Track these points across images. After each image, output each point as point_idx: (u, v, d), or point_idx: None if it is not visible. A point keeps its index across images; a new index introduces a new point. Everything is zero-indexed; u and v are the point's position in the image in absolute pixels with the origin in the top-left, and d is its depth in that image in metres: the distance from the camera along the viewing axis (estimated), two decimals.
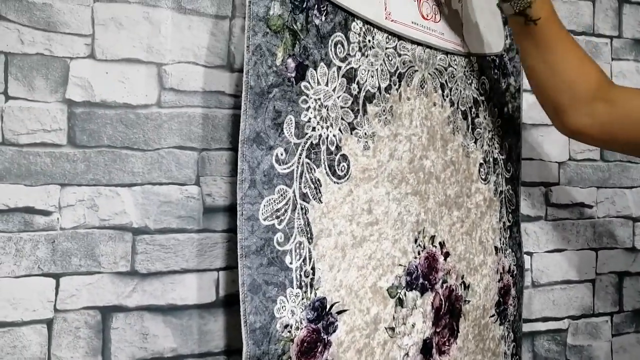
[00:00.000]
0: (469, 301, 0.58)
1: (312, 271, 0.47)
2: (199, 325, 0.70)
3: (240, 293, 0.48)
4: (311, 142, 0.47)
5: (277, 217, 0.45)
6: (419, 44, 0.66)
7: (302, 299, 0.47)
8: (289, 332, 0.47)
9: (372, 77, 0.56)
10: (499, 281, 0.61)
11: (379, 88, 0.57)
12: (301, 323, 0.47)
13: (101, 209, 0.66)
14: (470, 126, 0.66)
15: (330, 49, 0.53)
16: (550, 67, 0.66)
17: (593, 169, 0.91)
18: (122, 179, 0.67)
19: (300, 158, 0.46)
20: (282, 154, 0.46)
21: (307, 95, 0.49)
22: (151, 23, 0.68)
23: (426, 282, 0.55)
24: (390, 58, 0.60)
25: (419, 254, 0.55)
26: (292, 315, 0.47)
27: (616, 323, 0.92)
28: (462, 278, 0.58)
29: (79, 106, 0.65)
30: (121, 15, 0.67)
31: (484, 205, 0.64)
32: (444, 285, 0.57)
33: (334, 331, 0.49)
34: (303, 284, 0.47)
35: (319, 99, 0.50)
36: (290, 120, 0.48)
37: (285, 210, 0.47)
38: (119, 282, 0.67)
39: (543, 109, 0.70)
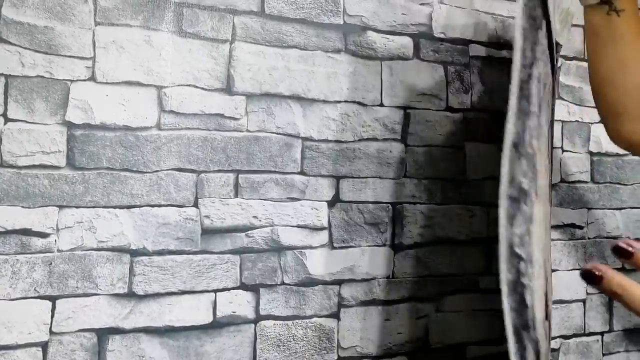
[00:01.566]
0: None
1: None
2: (196, 347, 0.69)
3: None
4: None
5: None
6: None
7: None
8: None
9: None
10: None
11: None
12: None
13: (99, 230, 0.66)
14: None
15: None
16: (623, 66, 0.62)
17: (584, 190, 0.93)
18: (120, 201, 0.67)
19: None
20: None
21: None
22: (152, 46, 0.68)
23: None
24: None
25: None
26: None
27: (606, 342, 0.94)
28: None
29: (79, 128, 0.65)
30: (122, 38, 0.67)
31: None
32: None
33: None
34: None
35: None
36: None
37: None
38: (116, 304, 0.67)
39: (599, 114, 0.66)
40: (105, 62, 0.67)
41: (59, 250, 0.64)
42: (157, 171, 0.68)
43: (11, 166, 0.63)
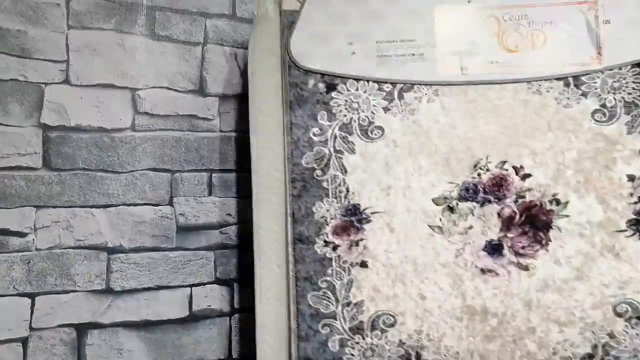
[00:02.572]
0: (567, 216, 0.62)
1: (346, 190, 0.63)
2: (173, 340, 0.73)
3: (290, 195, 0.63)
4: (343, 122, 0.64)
5: (317, 163, 0.63)
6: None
7: (337, 203, 0.62)
8: (325, 218, 0.62)
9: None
10: (635, 203, 0.61)
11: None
12: (335, 216, 0.62)
13: (76, 229, 0.68)
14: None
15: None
16: None
17: None
18: (97, 201, 0.69)
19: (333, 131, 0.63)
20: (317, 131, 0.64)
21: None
22: (125, 49, 0.70)
23: (490, 196, 0.63)
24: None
25: (479, 175, 0.63)
26: (327, 211, 0.62)
27: None
28: (553, 196, 0.62)
29: (54, 130, 0.67)
30: (95, 41, 0.69)
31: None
32: (520, 201, 0.62)
33: (367, 222, 0.62)
34: (338, 196, 0.62)
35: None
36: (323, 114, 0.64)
37: (323, 158, 0.64)
38: (94, 300, 0.69)
39: None
40: (79, 65, 0.68)
41: (37, 249, 0.67)
42: (132, 171, 0.71)
43: None
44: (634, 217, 0.62)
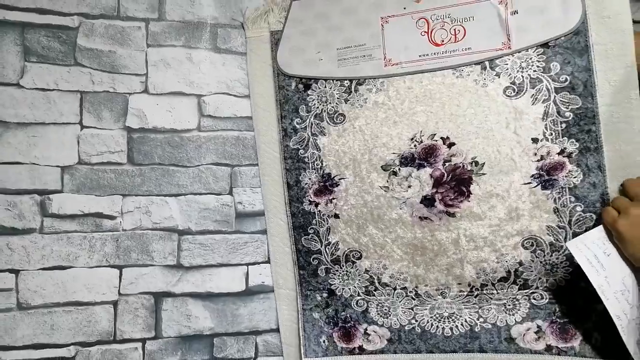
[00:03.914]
0: (483, 174, 0.76)
1: (320, 163, 0.80)
2: (232, 310, 0.84)
3: (284, 169, 0.82)
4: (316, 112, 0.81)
5: (300, 144, 0.81)
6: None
7: (315, 173, 0.80)
8: (308, 184, 0.81)
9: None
10: (538, 161, 0.74)
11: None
12: (315, 183, 0.81)
13: (153, 214, 0.82)
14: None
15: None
16: None
17: None
18: (170, 190, 0.82)
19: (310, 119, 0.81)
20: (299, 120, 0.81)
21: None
22: (192, 62, 0.82)
23: (424, 162, 0.77)
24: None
25: (415, 146, 0.77)
26: (309, 179, 0.81)
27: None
28: (473, 159, 0.76)
29: (136, 132, 0.81)
30: (168, 56, 0.82)
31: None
32: (447, 164, 0.77)
33: (337, 186, 0.80)
34: (315, 168, 0.81)
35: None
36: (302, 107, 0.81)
37: (304, 140, 0.81)
38: (168, 273, 0.83)
39: None
40: (155, 77, 0.81)
41: (123, 230, 0.81)
42: (198, 165, 0.83)
43: (86, 163, 0.80)
44: (536, 171, 0.74)
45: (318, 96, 0.81)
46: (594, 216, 0.73)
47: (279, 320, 0.83)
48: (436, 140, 0.77)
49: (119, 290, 0.81)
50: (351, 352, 0.81)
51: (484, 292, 0.77)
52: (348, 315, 0.81)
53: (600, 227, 0.69)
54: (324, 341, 0.82)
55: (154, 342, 0.82)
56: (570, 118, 0.73)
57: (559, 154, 0.73)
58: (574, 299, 0.74)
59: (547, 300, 0.75)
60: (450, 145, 0.77)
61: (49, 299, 0.80)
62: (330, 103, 0.80)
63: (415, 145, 0.77)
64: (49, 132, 0.79)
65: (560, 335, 0.75)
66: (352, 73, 0.80)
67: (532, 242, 0.75)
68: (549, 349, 0.75)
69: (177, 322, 0.83)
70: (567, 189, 0.74)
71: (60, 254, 0.80)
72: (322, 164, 0.81)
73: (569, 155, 0.73)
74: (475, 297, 0.77)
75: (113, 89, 0.80)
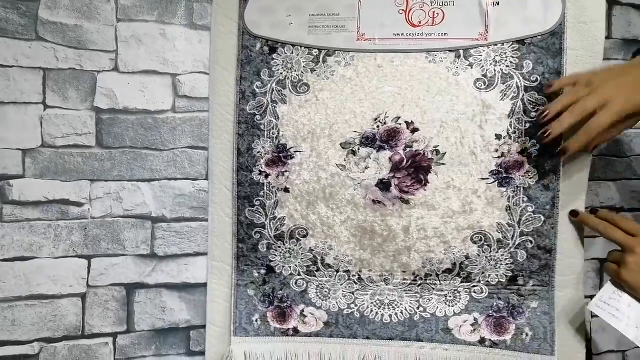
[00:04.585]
0: (443, 164, 0.75)
1: (277, 132, 0.76)
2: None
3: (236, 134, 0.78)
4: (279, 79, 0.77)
5: (257, 110, 0.78)
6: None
7: (270, 142, 0.77)
8: (260, 153, 0.77)
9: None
10: (498, 157, 0.74)
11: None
12: (268, 152, 0.77)
13: (125, 201, 0.77)
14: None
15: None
16: None
17: None
18: (142, 175, 0.77)
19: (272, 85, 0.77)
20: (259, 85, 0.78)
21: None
22: (166, 39, 0.77)
23: (385, 144, 0.75)
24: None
25: (378, 127, 0.75)
26: (263, 148, 0.77)
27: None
28: (435, 147, 0.75)
29: (105, 113, 0.76)
30: (140, 32, 0.77)
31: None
32: (408, 150, 0.75)
33: (291, 158, 0.76)
34: (271, 137, 0.77)
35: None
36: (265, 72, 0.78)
37: (262, 106, 0.78)
38: (141, 263, 0.78)
39: None
40: (126, 54, 0.76)
41: (92, 218, 0.76)
42: (173, 149, 0.78)
43: (51, 146, 0.74)
44: (495, 168, 0.75)
45: (283, 62, 0.77)
46: (543, 218, 0.75)
47: (208, 296, 0.79)
48: (400, 124, 0.75)
49: (87, 282, 0.76)
50: (285, 333, 0.79)
51: (427, 282, 0.77)
52: (285, 294, 0.79)
53: (609, 282, 0.71)
54: (256, 320, 0.79)
55: (126, 336, 0.78)
56: (535, 119, 0.73)
57: (519, 153, 0.74)
58: (511, 296, 0.76)
59: (486, 294, 0.77)
60: (414, 130, 0.75)
61: (9, 292, 0.74)
62: (295, 71, 0.77)
63: (378, 127, 0.76)
64: (9, 113, 0.73)
65: (494, 329, 0.77)
66: (323, 42, 0.77)
67: (481, 237, 0.76)
68: (482, 341, 0.77)
69: (151, 315, 0.79)
70: (521, 189, 0.75)
71: (22, 244, 0.74)
72: (278, 133, 0.77)
73: (529, 156, 0.74)
74: (418, 286, 0.77)
75: (80, 66, 0.75)
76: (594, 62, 0.73)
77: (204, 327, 0.80)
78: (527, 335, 0.76)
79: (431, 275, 0.77)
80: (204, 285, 0.80)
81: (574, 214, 0.75)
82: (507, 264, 0.76)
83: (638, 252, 0.67)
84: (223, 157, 0.78)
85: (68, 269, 0.76)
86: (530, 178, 0.75)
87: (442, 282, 0.77)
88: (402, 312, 0.78)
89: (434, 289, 0.77)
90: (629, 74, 0.67)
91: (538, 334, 0.76)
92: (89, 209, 0.76)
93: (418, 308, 0.78)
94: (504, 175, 0.75)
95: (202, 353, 0.80)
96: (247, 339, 0.79)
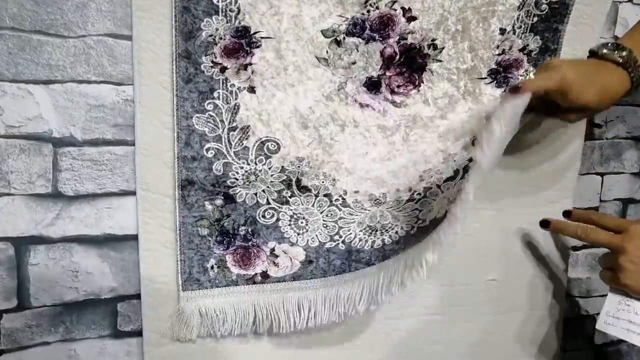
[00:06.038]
0: (439, 61, 0.65)
1: (237, 9, 0.56)
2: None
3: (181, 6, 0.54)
4: None
5: None
6: None
7: (227, 23, 0.56)
8: (213, 37, 0.56)
9: None
10: (499, 55, 0.67)
11: None
12: (224, 37, 0.56)
13: (7, 112, 0.51)
14: None
15: None
16: None
17: None
18: (34, 74, 0.51)
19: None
20: None
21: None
22: None
23: (376, 34, 0.62)
24: None
25: (368, 12, 0.62)
26: (217, 30, 0.56)
27: None
28: (432, 41, 0.64)
29: None
30: None
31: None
32: (401, 42, 0.63)
33: (257, 47, 0.58)
34: (228, 15, 0.56)
35: None
36: None
37: None
38: (37, 207, 0.53)
39: None
40: None
41: None
42: (83, 36, 0.52)
43: None
44: (494, 66, 0.67)
45: None
46: None
47: (140, 242, 0.56)
48: (395, 10, 0.62)
49: None
50: (250, 280, 0.61)
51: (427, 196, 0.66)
52: (250, 230, 0.61)
53: (609, 293, 0.65)
54: (212, 267, 0.60)
55: (16, 315, 0.54)
56: (544, 12, 0.66)
57: (520, 50, 0.67)
58: None
59: None
60: (411, 19, 0.63)
61: None
62: None
63: (368, 11, 0.61)
64: None
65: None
66: None
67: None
68: None
69: (56, 283, 0.54)
70: None
71: None
72: (238, 11, 0.56)
73: (529, 54, 0.68)
74: (417, 202, 0.66)
75: None
76: None
77: (137, 296, 0.57)
78: None
79: (431, 188, 0.65)
80: (136, 237, 0.56)
81: (544, 224, 0.68)
82: None
83: (629, 250, 0.60)
84: (157, 41, 0.54)
85: None
86: (527, 77, 0.67)
87: (444, 191, 0.65)
88: (396, 233, 0.66)
89: (434, 200, 0.65)
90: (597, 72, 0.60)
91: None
92: None
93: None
94: (503, 74, 0.67)
95: (136, 333, 0.57)
96: (202, 292, 0.60)
